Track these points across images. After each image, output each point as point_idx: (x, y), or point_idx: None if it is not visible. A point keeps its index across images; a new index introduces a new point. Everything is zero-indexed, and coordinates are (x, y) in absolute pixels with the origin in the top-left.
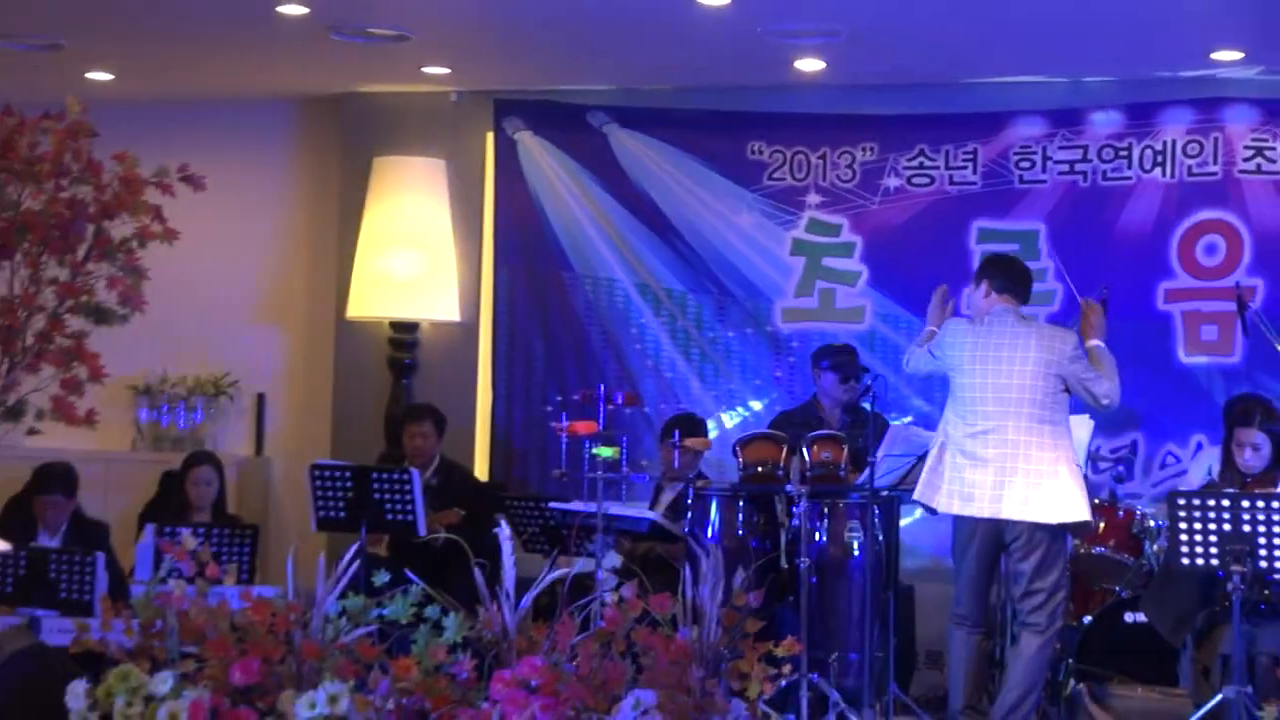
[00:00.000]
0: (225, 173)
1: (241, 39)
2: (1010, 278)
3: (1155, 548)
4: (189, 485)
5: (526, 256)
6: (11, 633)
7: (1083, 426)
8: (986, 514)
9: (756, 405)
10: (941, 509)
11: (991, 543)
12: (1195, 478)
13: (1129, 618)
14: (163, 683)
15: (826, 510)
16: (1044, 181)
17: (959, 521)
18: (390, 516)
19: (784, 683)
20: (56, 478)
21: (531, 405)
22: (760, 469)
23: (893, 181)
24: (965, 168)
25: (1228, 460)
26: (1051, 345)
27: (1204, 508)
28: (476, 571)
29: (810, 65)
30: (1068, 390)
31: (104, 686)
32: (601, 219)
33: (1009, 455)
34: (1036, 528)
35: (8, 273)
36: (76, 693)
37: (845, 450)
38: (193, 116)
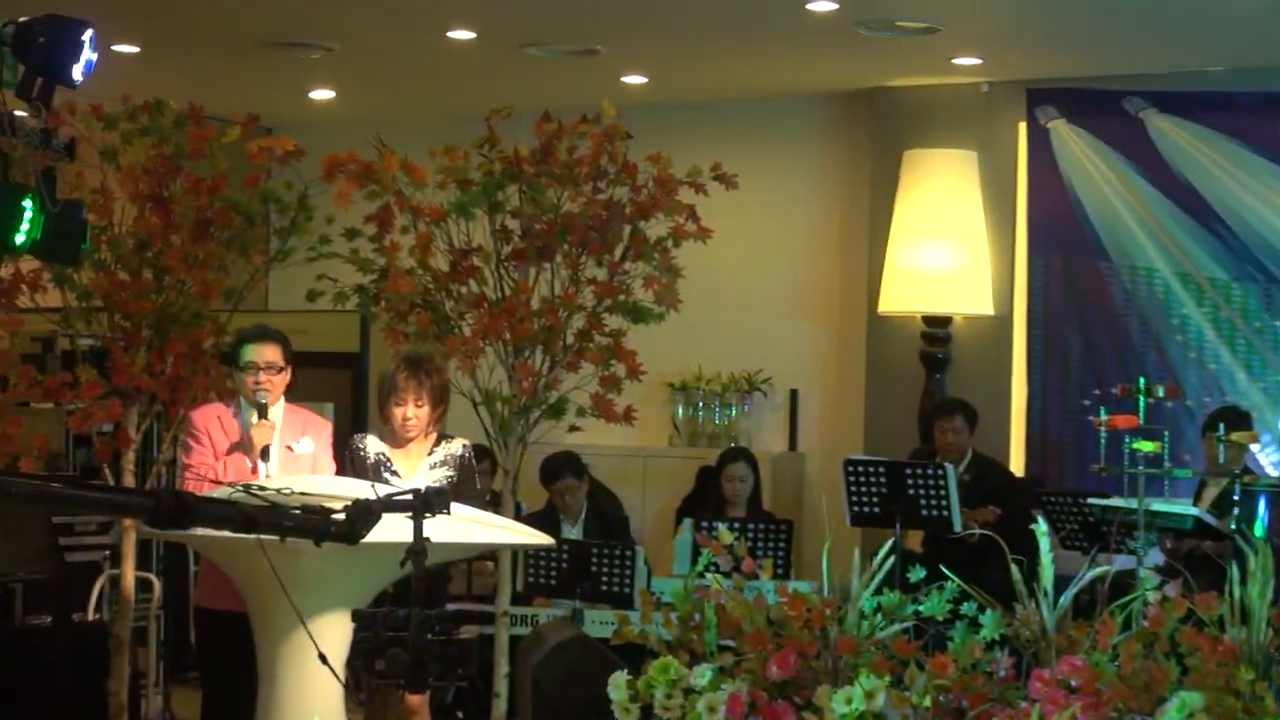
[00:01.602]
0: (756, 170)
1: (771, 37)
2: None
3: None
4: (725, 481)
5: (1061, 247)
6: (556, 624)
7: None
8: None
9: None
10: None
11: None
12: None
13: None
14: (701, 675)
15: None
16: None
17: None
18: (925, 512)
19: None
20: (561, 463)
21: (1068, 399)
22: None
23: None
24: None
25: None
26: None
27: None
28: (1014, 568)
29: None
30: None
31: (644, 678)
32: (1139, 207)
33: None
34: None
35: (549, 274)
36: (618, 684)
37: None
38: (723, 116)
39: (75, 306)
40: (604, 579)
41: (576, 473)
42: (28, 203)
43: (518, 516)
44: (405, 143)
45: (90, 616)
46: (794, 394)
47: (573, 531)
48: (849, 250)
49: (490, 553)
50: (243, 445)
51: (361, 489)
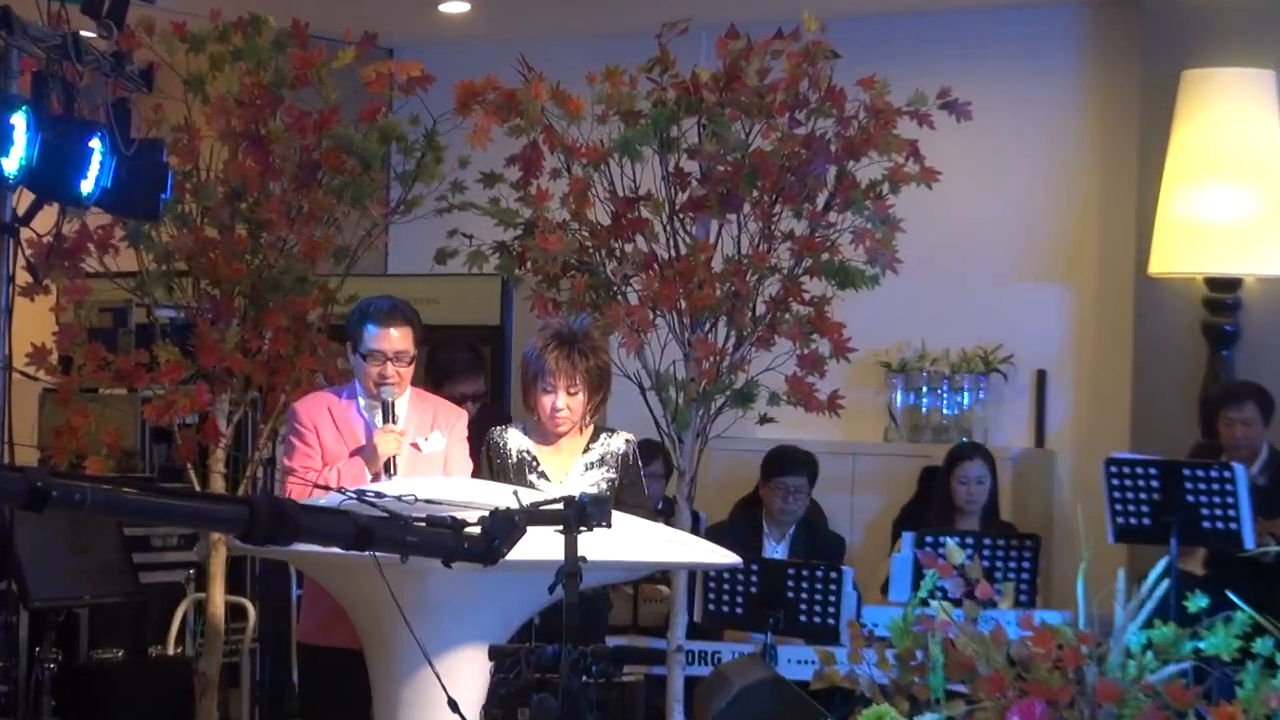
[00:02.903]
0: (991, 97)
1: None
2: None
3: None
4: (954, 484)
5: None
6: (742, 663)
7: None
8: None
9: None
10: None
11: None
12: None
13: None
14: None
15: None
16: None
17: None
18: (1207, 524)
19: None
20: (794, 457)
21: None
22: None
23: None
24: None
25: None
26: None
27: None
28: None
29: None
30: None
31: None
32: None
33: None
34: None
35: (734, 227)
36: None
37: None
38: (951, 29)
39: (153, 270)
40: (803, 607)
41: (810, 472)
42: (96, 143)
43: (696, 529)
44: (557, 66)
45: (170, 650)
46: (1041, 376)
47: (778, 548)
48: (1111, 195)
49: (661, 574)
50: (364, 452)
51: (502, 495)
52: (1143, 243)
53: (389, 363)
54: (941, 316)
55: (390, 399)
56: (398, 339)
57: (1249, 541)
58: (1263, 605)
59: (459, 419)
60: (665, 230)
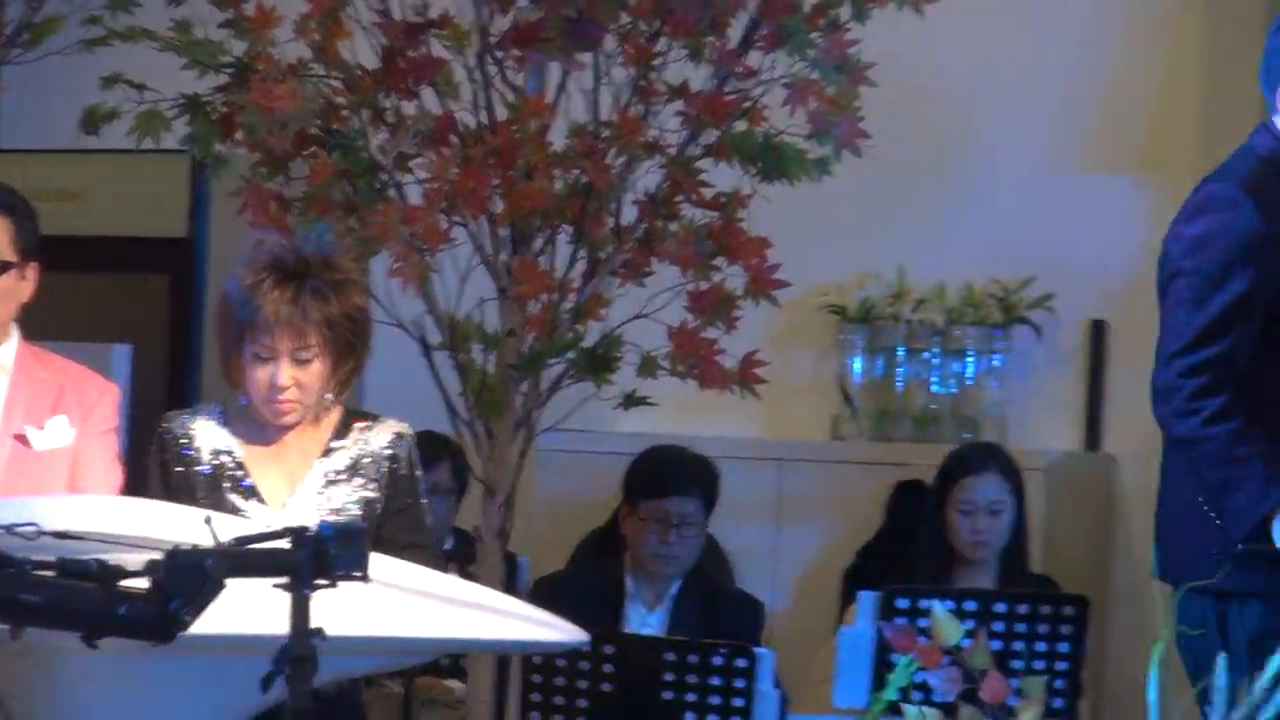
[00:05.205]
0: None
1: None
2: None
3: None
4: (952, 512)
5: None
6: None
7: None
8: None
9: None
10: None
11: None
12: None
13: None
14: None
15: None
16: None
17: None
18: None
19: None
20: (682, 468)
21: None
22: None
23: None
24: None
25: None
26: None
27: None
28: None
29: None
30: None
31: None
32: None
33: None
34: None
35: (588, 76)
36: None
37: None
38: None
39: None
40: (690, 716)
41: (706, 491)
42: None
43: (513, 584)
44: None
45: None
46: (1098, 330)
47: (651, 618)
48: (1217, 36)
49: (450, 660)
50: None
51: (186, 525)
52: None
53: None
54: (932, 232)
55: None
56: None
57: None
58: None
59: (103, 398)
60: (472, 80)
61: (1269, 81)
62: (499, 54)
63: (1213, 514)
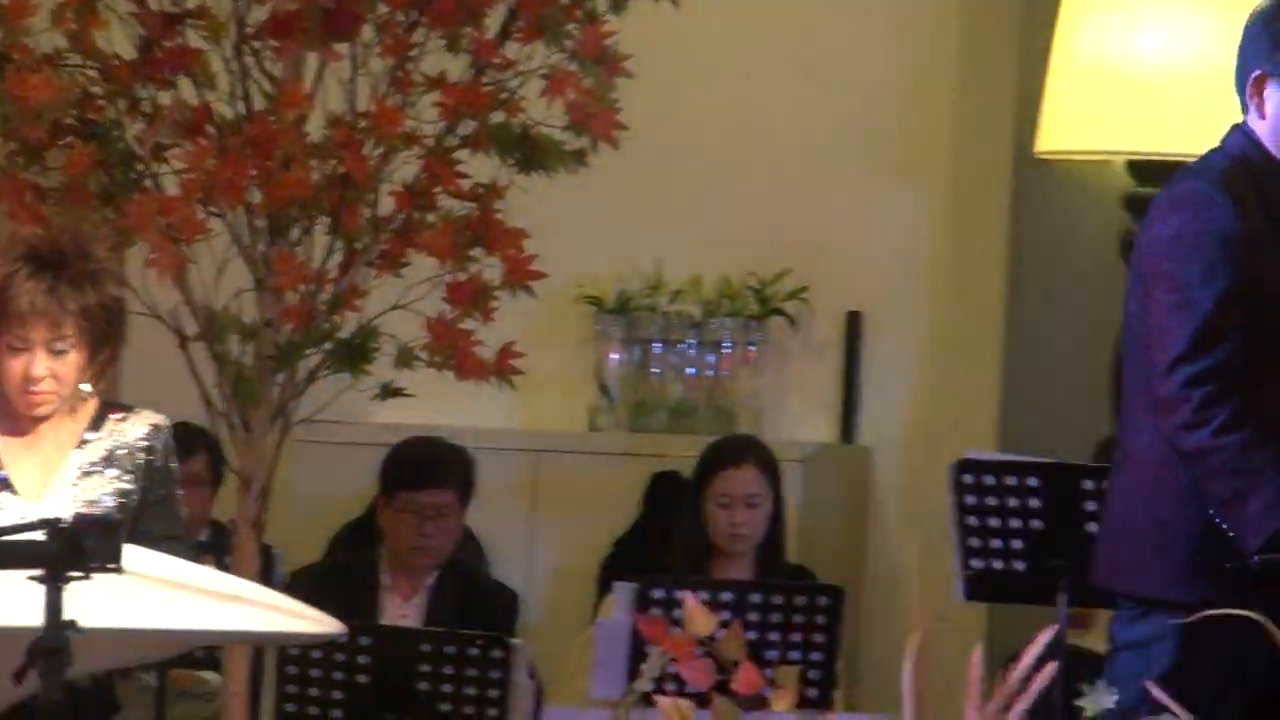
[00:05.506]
0: None
1: None
2: None
3: None
4: (709, 505)
5: None
6: None
7: None
8: None
9: None
10: None
11: None
12: None
13: None
14: None
15: None
16: None
17: None
18: None
19: None
20: (433, 456)
21: None
22: None
23: None
24: None
25: None
26: None
27: None
28: None
29: None
30: None
31: None
32: None
33: None
34: None
35: (346, 67)
36: None
37: None
38: None
39: None
40: (446, 708)
41: (462, 482)
42: None
43: (268, 575)
44: None
45: None
46: (853, 322)
47: (407, 608)
48: (973, 33)
49: (206, 652)
50: None
51: None
52: (1026, 107)
53: None
54: (689, 224)
55: None
56: None
57: None
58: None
59: None
60: (229, 70)
61: (1240, 85)
62: (256, 44)
63: (1225, 526)
